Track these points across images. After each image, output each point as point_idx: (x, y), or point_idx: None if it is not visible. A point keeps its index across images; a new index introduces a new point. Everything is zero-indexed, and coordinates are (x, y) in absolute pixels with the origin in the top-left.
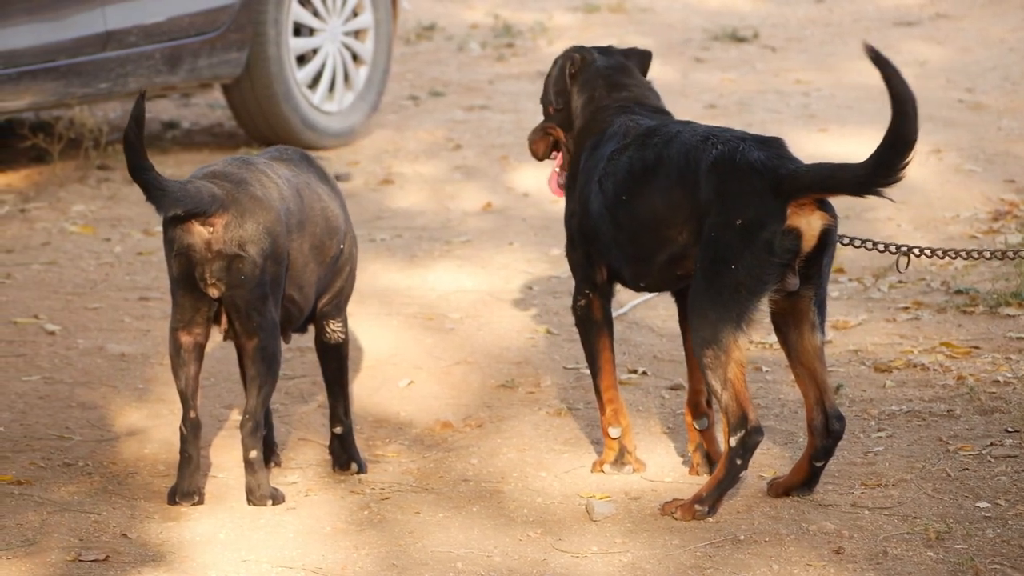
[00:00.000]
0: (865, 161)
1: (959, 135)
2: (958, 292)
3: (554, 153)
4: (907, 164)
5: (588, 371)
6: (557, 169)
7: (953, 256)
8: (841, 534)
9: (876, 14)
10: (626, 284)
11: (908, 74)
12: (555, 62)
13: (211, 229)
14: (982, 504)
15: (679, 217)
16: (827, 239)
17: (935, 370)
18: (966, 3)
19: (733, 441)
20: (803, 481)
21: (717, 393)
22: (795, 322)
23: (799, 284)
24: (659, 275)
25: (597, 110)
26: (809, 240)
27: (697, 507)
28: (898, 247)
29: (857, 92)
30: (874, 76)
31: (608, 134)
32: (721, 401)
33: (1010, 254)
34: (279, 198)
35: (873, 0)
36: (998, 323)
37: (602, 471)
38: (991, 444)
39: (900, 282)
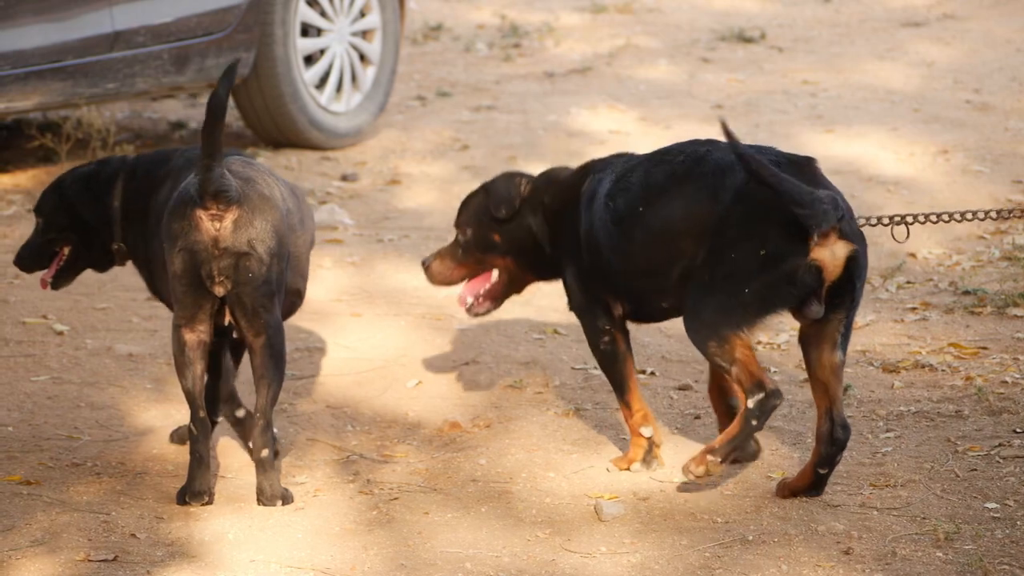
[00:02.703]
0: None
1: (966, 136)
2: (966, 293)
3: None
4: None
5: (596, 371)
6: (482, 294)
7: (947, 220)
8: (850, 535)
9: (883, 15)
10: (642, 316)
11: (915, 75)
12: (486, 192)
13: (218, 225)
14: (991, 505)
15: (700, 232)
16: (854, 266)
17: (943, 371)
18: (973, 4)
19: (751, 403)
20: (808, 486)
21: (727, 369)
22: (818, 341)
23: (825, 311)
24: (678, 292)
25: (564, 184)
26: (833, 271)
27: (710, 458)
28: (891, 218)
29: (864, 92)
30: (881, 77)
31: (596, 179)
32: (731, 374)
33: (1004, 213)
34: (281, 198)
35: (880, 1)
36: (1006, 324)
37: (629, 469)
38: (1000, 445)
39: (908, 283)
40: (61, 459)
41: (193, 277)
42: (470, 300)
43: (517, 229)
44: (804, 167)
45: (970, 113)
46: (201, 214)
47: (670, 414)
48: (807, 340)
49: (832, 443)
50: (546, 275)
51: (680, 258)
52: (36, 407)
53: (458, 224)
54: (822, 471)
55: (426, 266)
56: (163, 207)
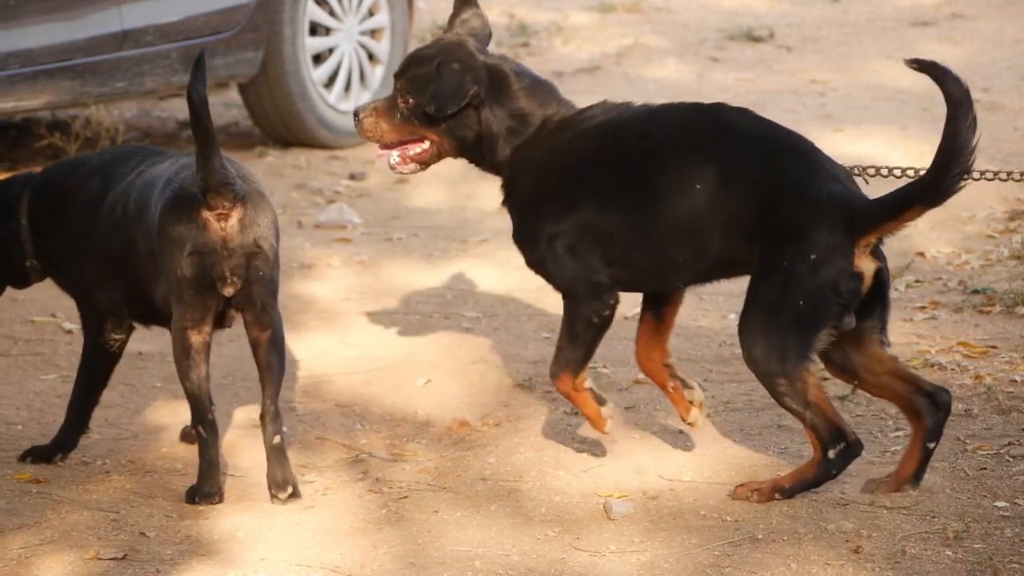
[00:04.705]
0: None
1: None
2: (975, 292)
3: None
4: (967, 167)
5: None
6: (410, 156)
7: (978, 177)
8: (859, 533)
9: (892, 14)
10: (629, 288)
11: (924, 74)
12: (438, 71)
13: (225, 224)
14: (1000, 503)
15: (737, 216)
16: (880, 280)
17: (952, 370)
18: (982, 3)
19: (831, 453)
20: (917, 470)
21: (800, 414)
22: (859, 347)
23: (856, 321)
24: (702, 273)
25: (561, 131)
26: (867, 284)
27: (777, 496)
28: (862, 168)
29: (873, 92)
30: (890, 76)
31: (602, 125)
32: (806, 421)
33: (1016, 175)
34: (267, 194)
35: (889, 0)
36: (1015, 323)
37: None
38: (1009, 443)
39: (917, 281)
40: (70, 457)
41: (203, 279)
42: (396, 158)
43: (461, 127)
44: (843, 176)
45: (979, 113)
46: (208, 215)
47: (678, 413)
48: (844, 355)
49: (938, 409)
50: (475, 162)
51: (715, 248)
52: (45, 405)
53: (400, 87)
54: (931, 445)
55: (359, 119)
56: (95, 204)
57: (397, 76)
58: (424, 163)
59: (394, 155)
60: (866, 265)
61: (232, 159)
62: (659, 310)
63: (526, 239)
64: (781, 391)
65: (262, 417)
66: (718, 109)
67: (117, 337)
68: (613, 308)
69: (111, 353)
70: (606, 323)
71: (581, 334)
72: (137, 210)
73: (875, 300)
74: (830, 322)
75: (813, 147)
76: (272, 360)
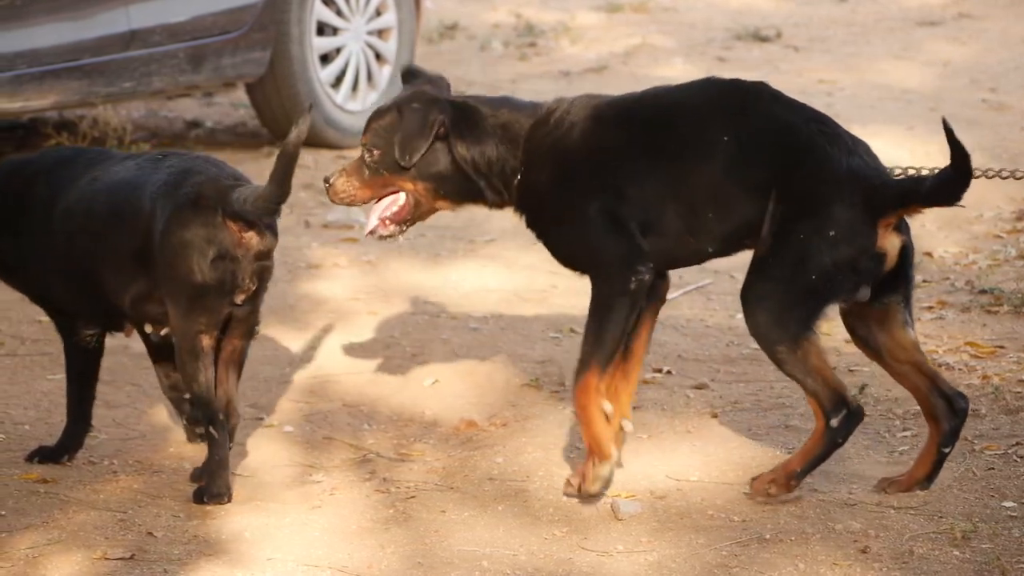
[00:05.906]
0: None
1: (982, 135)
2: (982, 292)
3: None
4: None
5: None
6: (388, 217)
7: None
8: (867, 533)
9: (899, 14)
10: (682, 247)
11: (931, 74)
12: (399, 114)
13: (246, 235)
14: (1008, 504)
15: (747, 189)
16: (906, 255)
17: (960, 370)
18: (989, 3)
19: (834, 422)
20: (929, 472)
21: (800, 380)
22: (884, 325)
23: (881, 296)
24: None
25: (553, 115)
26: (891, 261)
27: (793, 481)
28: (904, 170)
29: (880, 92)
30: (897, 76)
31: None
32: (807, 388)
33: (1017, 174)
34: None
35: (896, 0)
36: (1023, 323)
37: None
38: (1016, 444)
39: (924, 281)
40: (78, 457)
41: (225, 285)
42: (374, 222)
43: (434, 163)
44: (863, 151)
45: (986, 112)
46: (231, 224)
47: (687, 413)
48: (869, 331)
49: (955, 415)
50: (469, 200)
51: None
52: (53, 405)
53: (365, 141)
54: (946, 449)
55: (329, 184)
56: (44, 209)
57: (363, 135)
58: (403, 222)
59: (372, 220)
60: (891, 242)
61: (223, 161)
62: (626, 348)
63: (554, 220)
64: (781, 358)
65: (230, 416)
66: (739, 82)
67: (90, 333)
68: (650, 276)
69: (90, 349)
70: (640, 292)
71: (614, 310)
72: (111, 215)
73: (899, 276)
74: (842, 297)
75: (834, 122)
76: (242, 362)
